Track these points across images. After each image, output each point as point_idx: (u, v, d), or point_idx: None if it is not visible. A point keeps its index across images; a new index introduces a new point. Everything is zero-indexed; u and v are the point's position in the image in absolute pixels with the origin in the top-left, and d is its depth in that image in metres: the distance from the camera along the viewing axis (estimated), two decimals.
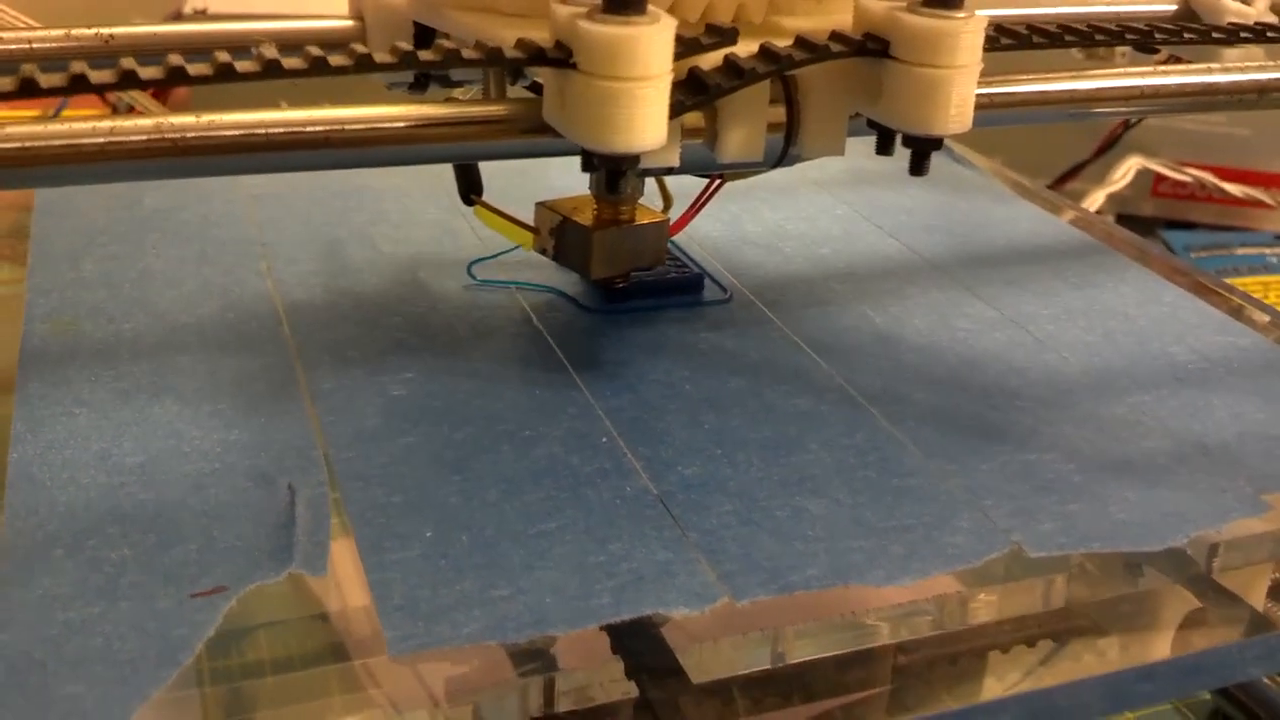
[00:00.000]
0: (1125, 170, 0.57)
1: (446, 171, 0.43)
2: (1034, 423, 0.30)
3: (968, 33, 0.25)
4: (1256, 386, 0.32)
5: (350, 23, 0.33)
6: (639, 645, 0.23)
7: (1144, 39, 0.30)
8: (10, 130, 0.22)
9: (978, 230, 0.41)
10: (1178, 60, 0.38)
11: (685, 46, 0.24)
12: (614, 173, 0.24)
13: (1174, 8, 0.38)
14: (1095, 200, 0.56)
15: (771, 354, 0.32)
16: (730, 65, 0.25)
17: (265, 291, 0.34)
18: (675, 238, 0.38)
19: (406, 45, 0.24)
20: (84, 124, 0.23)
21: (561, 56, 0.23)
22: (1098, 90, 0.30)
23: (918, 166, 0.27)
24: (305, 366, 0.30)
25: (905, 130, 0.26)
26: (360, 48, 0.23)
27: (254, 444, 0.27)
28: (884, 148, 0.27)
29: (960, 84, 0.25)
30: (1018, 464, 0.28)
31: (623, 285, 0.35)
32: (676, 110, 0.24)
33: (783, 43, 0.25)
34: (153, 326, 0.32)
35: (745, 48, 0.25)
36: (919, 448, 0.28)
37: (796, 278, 0.37)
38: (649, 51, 0.23)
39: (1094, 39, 0.29)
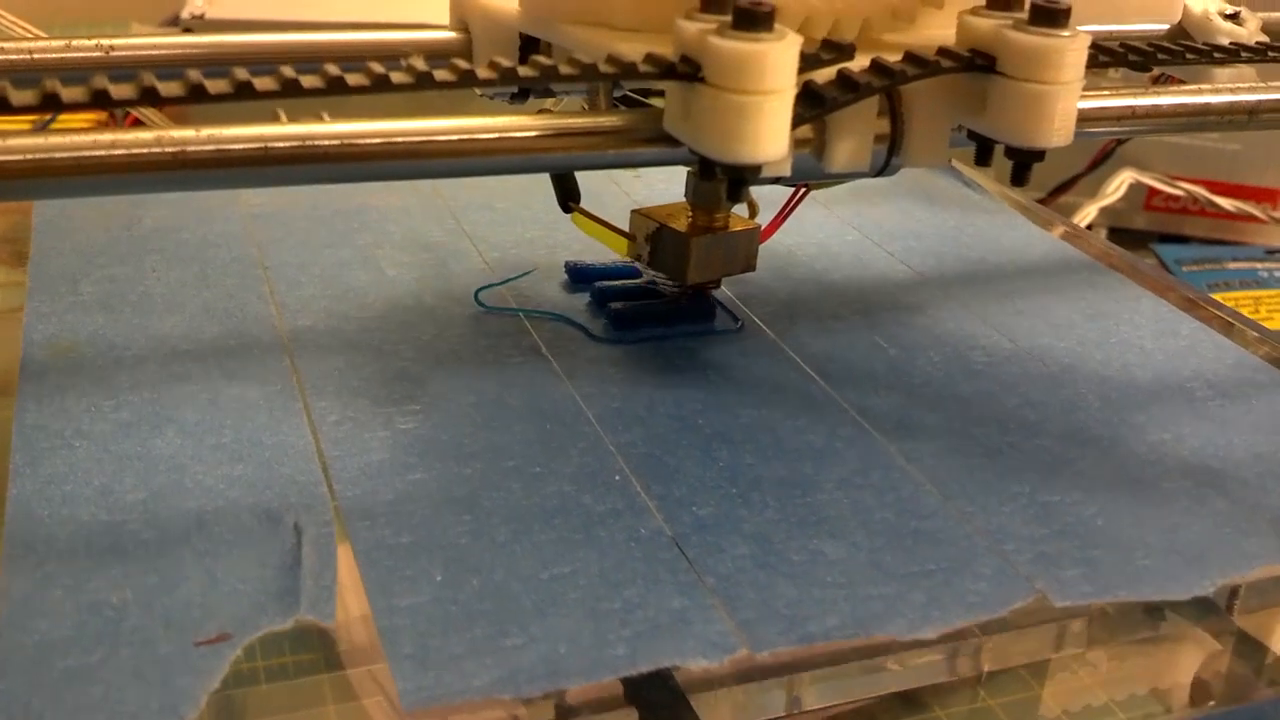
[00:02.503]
0: (1118, 184, 0.57)
1: (449, 191, 0.43)
2: (1053, 461, 0.29)
3: (1073, 50, 0.26)
4: (1276, 423, 0.31)
5: (454, 35, 0.33)
6: (655, 696, 0.22)
7: (1229, 57, 0.31)
8: (12, 143, 0.22)
9: (989, 256, 0.41)
10: (1169, 79, 0.38)
11: (805, 62, 0.25)
12: (736, 182, 0.25)
13: (1166, 27, 0.38)
14: (1088, 214, 0.56)
15: (783, 386, 0.32)
16: (845, 79, 0.25)
17: (268, 316, 0.34)
18: None
19: (548, 60, 0.24)
20: (85, 137, 0.22)
21: (691, 71, 0.24)
22: (1092, 110, 0.30)
23: (1019, 177, 0.27)
24: (310, 396, 0.30)
25: (1010, 143, 0.27)
26: (504, 61, 0.24)
27: (258, 480, 0.27)
28: (983, 159, 0.28)
29: (1065, 98, 0.26)
30: (1038, 506, 0.27)
31: (632, 313, 0.34)
32: (795, 122, 0.25)
33: (890, 58, 0.26)
34: (154, 353, 0.31)
35: (855, 63, 0.26)
36: (937, 487, 0.28)
37: (807, 305, 0.36)
38: (777, 66, 0.24)
39: (1184, 58, 0.29)
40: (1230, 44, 0.32)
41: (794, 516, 0.27)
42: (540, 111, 0.26)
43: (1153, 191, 0.59)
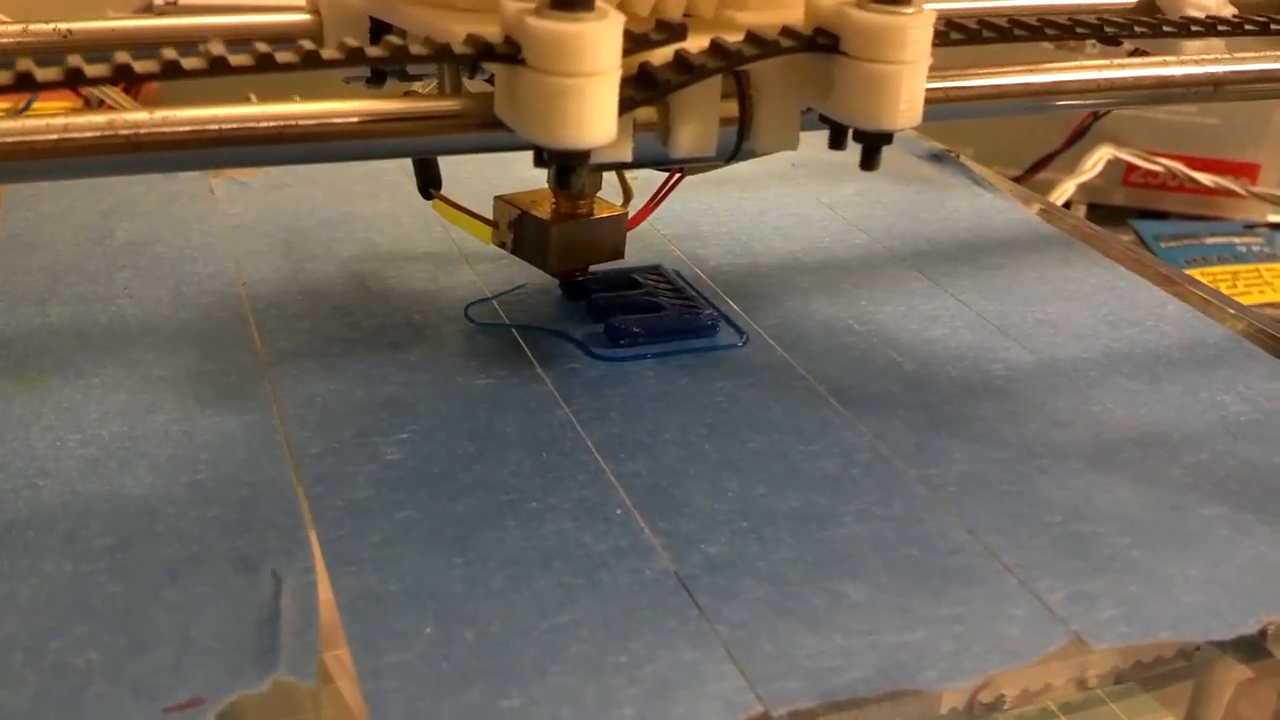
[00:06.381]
0: (1096, 160, 0.57)
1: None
2: (1084, 486, 0.27)
3: (916, 28, 0.25)
4: None
5: (308, 17, 0.32)
6: None
7: (1094, 33, 0.29)
8: None
9: (1005, 262, 0.39)
10: (1143, 53, 0.37)
11: (635, 42, 0.24)
12: (565, 168, 0.24)
13: (1134, 0, 0.38)
14: (1066, 190, 0.56)
15: (794, 407, 0.30)
16: (681, 61, 0.25)
17: (247, 338, 0.32)
18: (686, 275, 0.35)
19: (354, 41, 0.23)
20: (38, 121, 0.22)
21: (510, 52, 0.23)
22: (1054, 84, 0.29)
23: (868, 161, 0.27)
24: (290, 426, 0.28)
25: (856, 125, 0.26)
26: (308, 44, 0.23)
27: (234, 522, 0.25)
28: (836, 142, 0.27)
29: (909, 78, 0.25)
30: (1071, 538, 0.26)
31: (631, 328, 0.32)
32: (627, 105, 0.24)
33: (734, 38, 0.25)
34: (125, 381, 0.29)
35: (696, 43, 0.25)
36: (962, 519, 0.26)
37: (815, 316, 0.35)
38: (597, 47, 0.23)
39: (1044, 33, 0.28)
40: (1206, 17, 0.31)
41: (811, 555, 0.25)
42: (406, 94, 0.26)
43: (1131, 167, 0.59)
